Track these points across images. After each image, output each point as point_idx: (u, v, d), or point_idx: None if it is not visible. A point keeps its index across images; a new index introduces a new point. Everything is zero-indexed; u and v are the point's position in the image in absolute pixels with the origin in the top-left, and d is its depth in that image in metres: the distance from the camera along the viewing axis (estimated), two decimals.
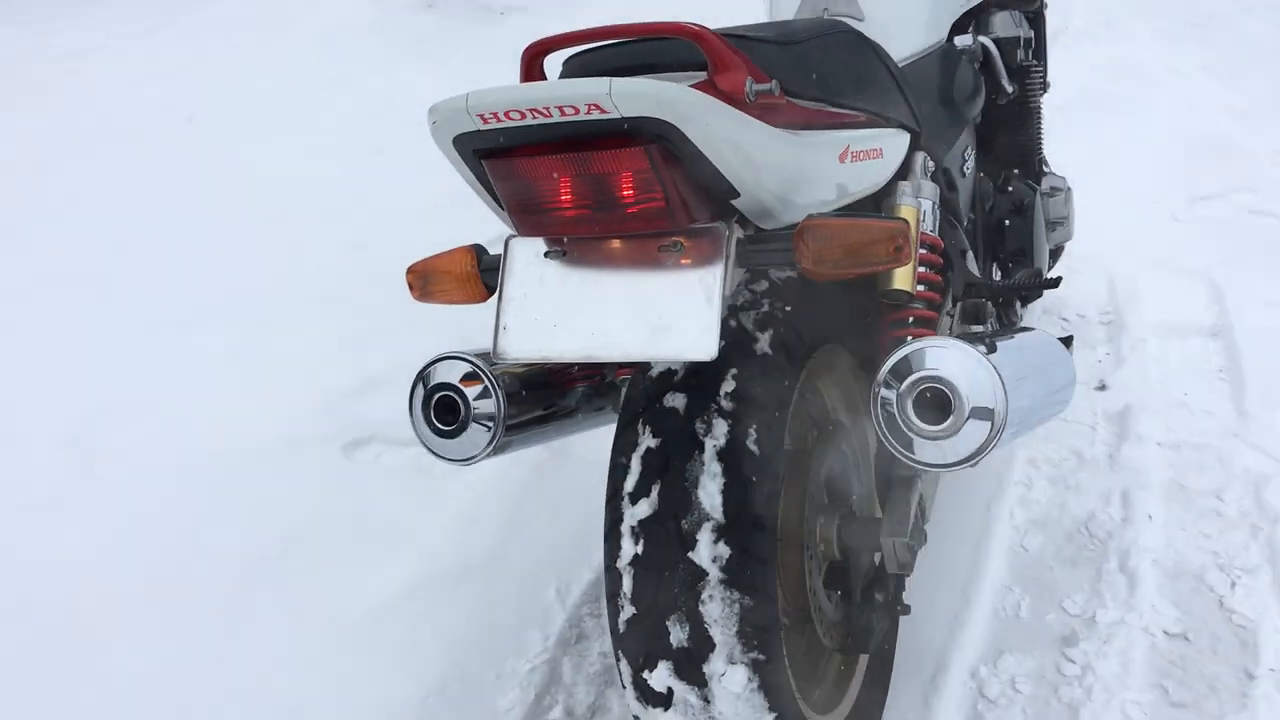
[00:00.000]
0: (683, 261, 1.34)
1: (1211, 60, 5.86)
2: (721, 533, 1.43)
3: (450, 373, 1.61)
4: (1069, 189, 2.87)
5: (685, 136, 1.22)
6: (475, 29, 6.02)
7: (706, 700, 1.46)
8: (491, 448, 1.59)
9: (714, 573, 1.43)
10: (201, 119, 4.55)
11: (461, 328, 2.90)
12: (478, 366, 1.59)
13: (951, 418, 1.32)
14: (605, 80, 1.18)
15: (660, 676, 1.47)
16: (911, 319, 1.68)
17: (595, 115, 1.20)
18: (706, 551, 1.43)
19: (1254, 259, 3.70)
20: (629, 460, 1.50)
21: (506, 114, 1.23)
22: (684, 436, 1.47)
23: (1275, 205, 4.15)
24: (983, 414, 1.31)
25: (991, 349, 1.35)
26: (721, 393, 1.49)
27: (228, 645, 2.01)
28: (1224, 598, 2.28)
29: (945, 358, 1.33)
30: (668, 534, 1.44)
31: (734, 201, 1.33)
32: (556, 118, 1.21)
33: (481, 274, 1.51)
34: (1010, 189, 2.47)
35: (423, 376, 1.62)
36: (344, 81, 4.99)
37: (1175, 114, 5.14)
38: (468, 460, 1.61)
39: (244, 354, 2.90)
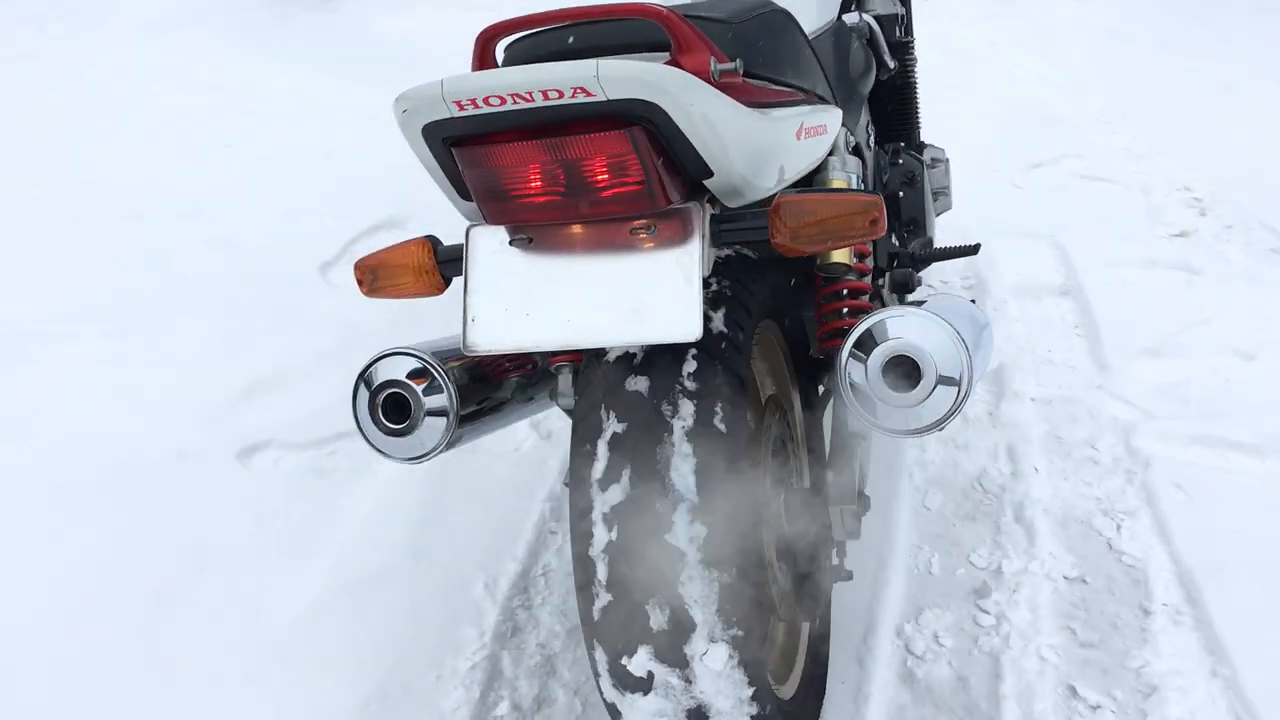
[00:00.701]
0: (655, 243, 1.32)
1: (1026, 35, 6.15)
2: (696, 513, 1.42)
3: (394, 369, 1.56)
4: (948, 159, 2.97)
5: (669, 117, 1.20)
6: (308, 16, 5.80)
7: (688, 680, 1.45)
8: (446, 442, 1.54)
9: (691, 553, 1.42)
10: (28, 116, 4.24)
11: (349, 324, 2.81)
12: (426, 360, 1.54)
13: (920, 385, 1.34)
14: (592, 63, 1.15)
15: (640, 661, 1.45)
16: (847, 291, 1.70)
17: (580, 99, 1.17)
18: (683, 533, 1.42)
19: (1091, 220, 3.92)
20: (594, 447, 1.47)
21: (485, 100, 1.19)
22: (651, 419, 1.45)
23: (1103, 170, 4.39)
24: (949, 380, 1.34)
25: (943, 316, 1.38)
26: (684, 373, 1.47)
27: (150, 671, 1.89)
28: (1111, 540, 2.41)
29: (910, 326, 1.36)
30: (642, 519, 1.42)
31: (706, 181, 1.32)
32: (538, 102, 1.18)
33: (439, 265, 1.45)
34: (900, 161, 2.54)
35: (365, 376, 1.56)
36: (176, 73, 4.74)
37: (1000, 87, 5.38)
38: (421, 458, 1.55)
39: (117, 363, 2.73)
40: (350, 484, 2.39)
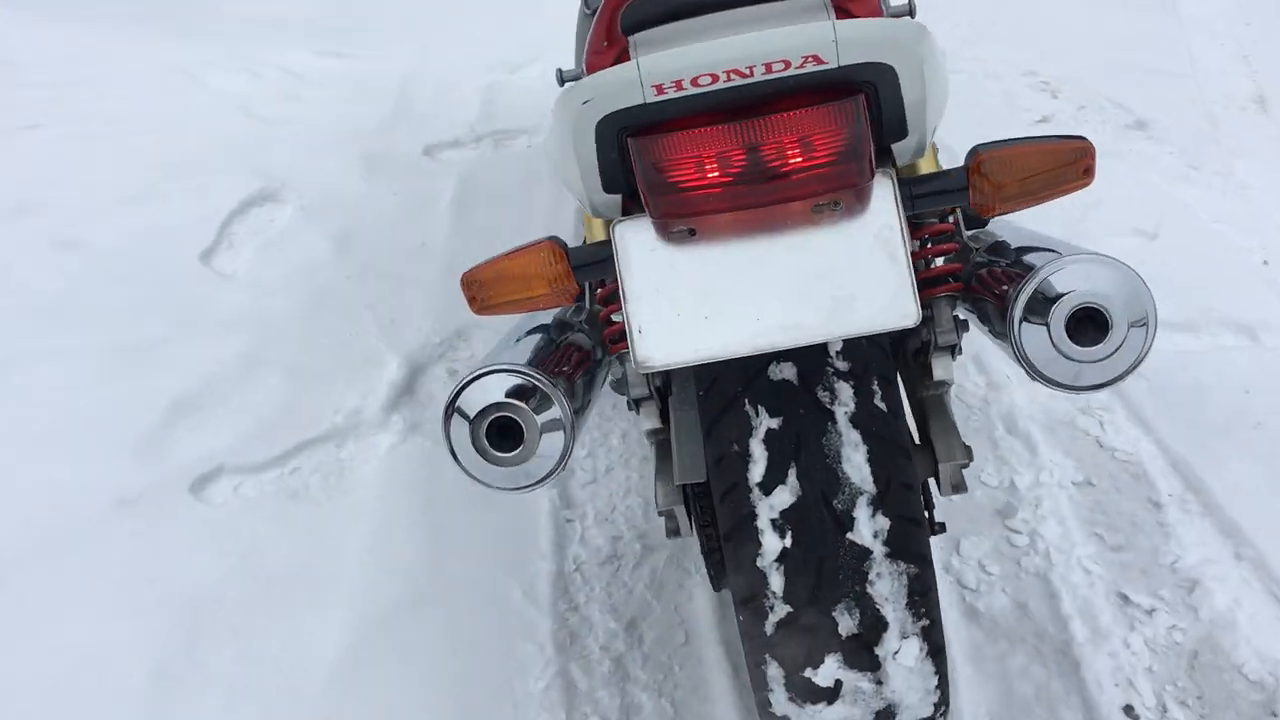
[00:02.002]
0: (843, 221, 1.16)
1: None
2: (877, 504, 1.29)
3: (490, 391, 1.34)
4: None
5: (896, 78, 1.04)
6: None
7: (879, 683, 1.34)
8: (566, 460, 1.35)
9: (878, 549, 1.30)
10: None
11: (260, 318, 2.50)
12: (526, 374, 1.33)
13: (1111, 334, 1.25)
14: (826, 25, 0.98)
15: (828, 671, 1.33)
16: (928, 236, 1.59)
17: (809, 68, 0.99)
18: (866, 528, 1.29)
19: (953, 108, 3.93)
20: (746, 447, 1.31)
21: (694, 80, 1.00)
22: (810, 409, 1.31)
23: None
24: (1139, 323, 1.25)
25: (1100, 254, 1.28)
26: (832, 353, 1.33)
27: None
28: (1099, 438, 2.43)
29: (1081, 275, 1.25)
30: (820, 519, 1.29)
31: (895, 145, 1.16)
32: (759, 76, 0.99)
33: (574, 270, 1.24)
34: None
35: (457, 405, 1.33)
36: None
37: None
38: (541, 481, 1.35)
39: None
40: (330, 504, 2.12)
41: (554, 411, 1.33)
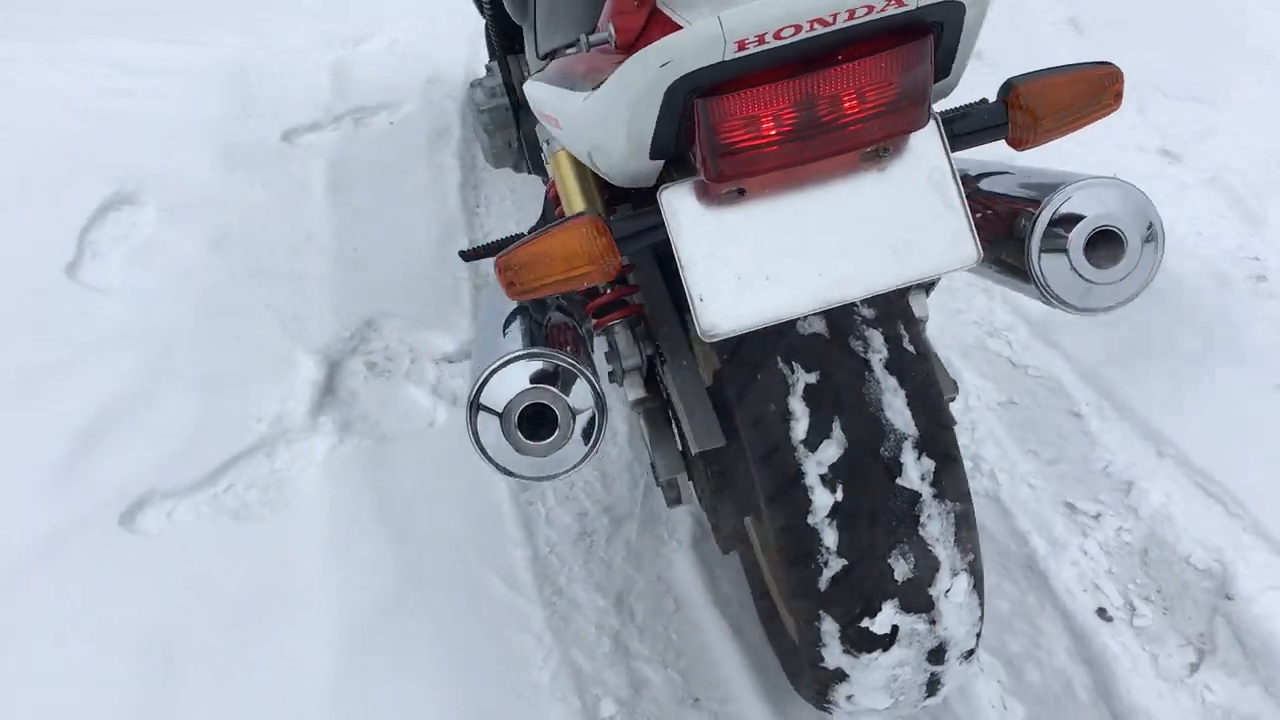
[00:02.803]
0: (894, 166, 1.14)
1: None
2: (921, 447, 1.30)
3: (514, 381, 1.28)
4: None
5: (962, 16, 1.02)
6: None
7: (933, 622, 1.36)
8: (602, 437, 1.31)
9: (926, 491, 1.31)
10: None
11: (149, 329, 2.33)
12: (549, 357, 1.28)
13: (1127, 254, 1.28)
14: None
15: (885, 617, 1.34)
16: None
17: (891, 10, 0.96)
18: (914, 471, 1.30)
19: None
20: (785, 406, 1.29)
21: (777, 33, 0.96)
22: (845, 361, 1.30)
23: None
24: (1151, 238, 1.29)
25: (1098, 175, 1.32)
26: (857, 302, 1.32)
27: None
28: (1011, 358, 2.53)
29: (1092, 199, 1.28)
30: (868, 469, 1.29)
31: (935, 84, 1.15)
32: (841, 24, 0.96)
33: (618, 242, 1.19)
34: None
35: (480, 401, 1.27)
36: None
37: None
38: (577, 466, 1.30)
39: None
40: (277, 518, 2.00)
41: (582, 390, 1.28)
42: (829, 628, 1.36)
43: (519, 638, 1.80)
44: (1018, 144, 1.21)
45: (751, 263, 1.14)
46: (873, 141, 1.10)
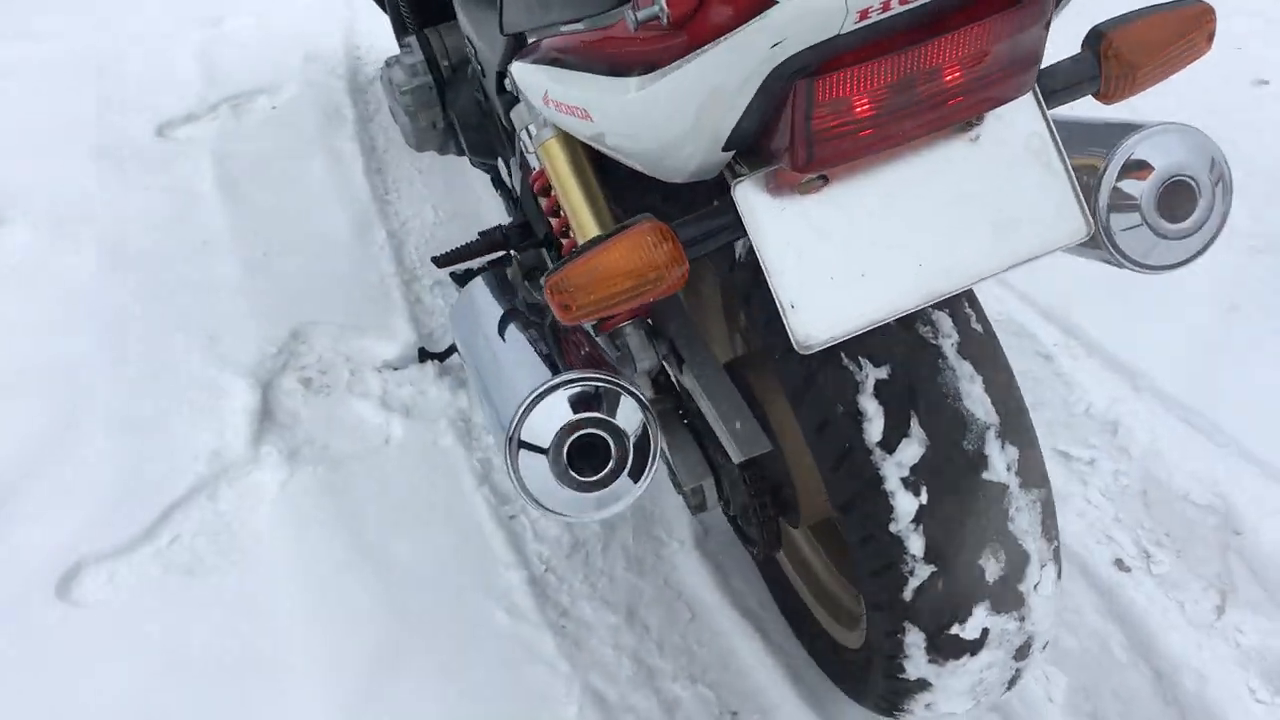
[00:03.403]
0: (987, 136, 1.01)
1: None
2: (1004, 435, 1.19)
3: (554, 413, 1.12)
4: None
5: None
6: None
7: (1022, 619, 1.26)
8: (656, 463, 1.16)
9: (1012, 482, 1.20)
10: None
11: (49, 377, 2.07)
12: (592, 378, 1.13)
13: (1200, 204, 1.19)
14: None
15: (976, 621, 1.23)
16: None
17: None
18: (1000, 463, 1.20)
19: None
20: (855, 406, 1.17)
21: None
22: (915, 350, 1.17)
23: None
24: (1219, 181, 1.19)
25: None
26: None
27: None
28: None
29: (1160, 146, 1.18)
30: (954, 466, 1.17)
31: None
32: None
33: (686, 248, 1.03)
34: None
35: (520, 438, 1.11)
36: None
37: None
38: (631, 499, 1.16)
39: None
40: (237, 568, 1.79)
41: (630, 409, 1.13)
42: (914, 639, 1.25)
43: (533, 671, 1.65)
44: (1108, 97, 1.09)
45: (844, 260, 1.00)
46: (983, 110, 0.97)
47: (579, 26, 1.13)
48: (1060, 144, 1.03)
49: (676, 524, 1.89)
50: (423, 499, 1.92)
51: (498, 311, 1.42)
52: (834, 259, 1.00)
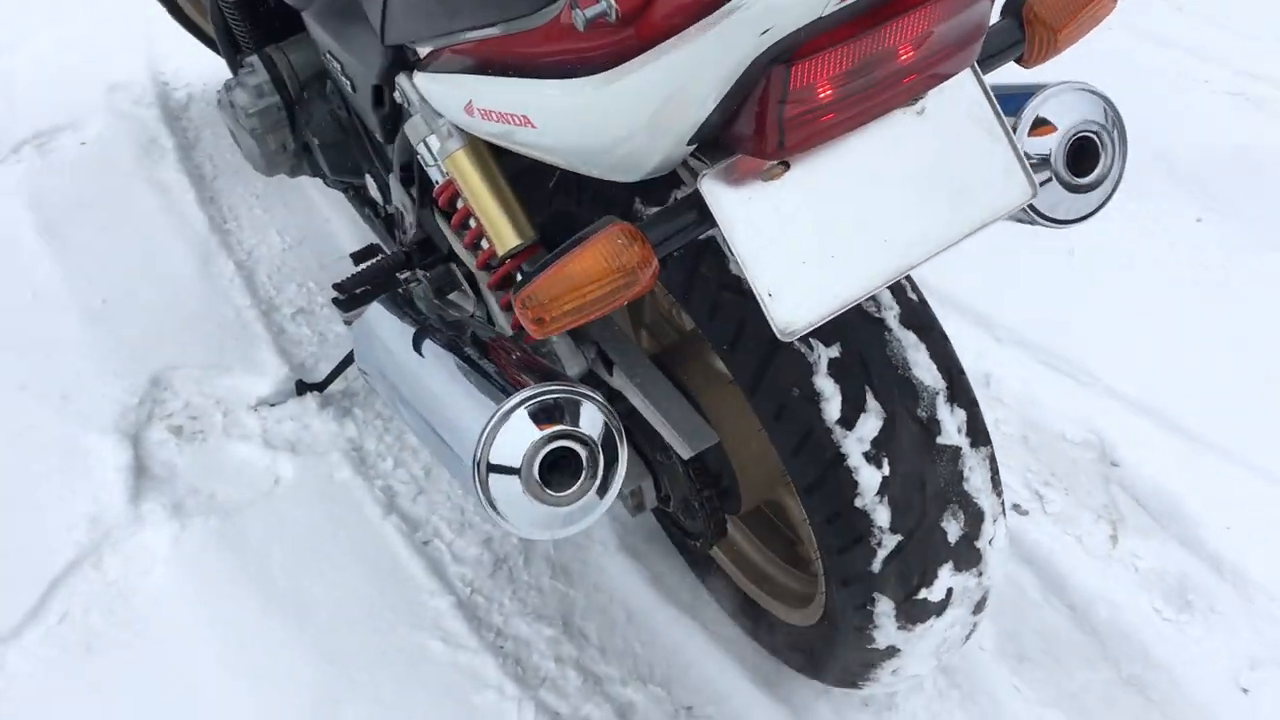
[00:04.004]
0: (932, 108, 1.03)
1: None
2: (951, 398, 1.23)
3: (520, 432, 1.09)
4: None
5: None
6: None
7: (981, 574, 1.31)
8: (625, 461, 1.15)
9: (964, 442, 1.24)
10: None
11: None
12: (561, 391, 1.10)
13: (1102, 160, 1.24)
14: None
15: (942, 583, 1.27)
16: None
17: None
18: (951, 425, 1.23)
19: None
20: (810, 387, 1.18)
21: None
22: (861, 324, 1.19)
23: None
24: (1117, 132, 1.26)
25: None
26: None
27: None
28: None
29: (1069, 104, 1.23)
30: (911, 434, 1.20)
31: None
32: None
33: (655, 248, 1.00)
34: None
35: (489, 461, 1.08)
36: None
37: None
38: (605, 504, 1.14)
39: None
40: (141, 639, 1.67)
41: (592, 414, 1.10)
42: (884, 608, 1.28)
43: (481, 697, 1.60)
44: (1030, 61, 1.13)
45: (814, 243, 1.00)
46: (935, 85, 0.98)
47: (494, 31, 1.09)
48: (999, 110, 1.06)
49: (596, 527, 1.87)
50: (328, 537, 1.84)
51: (409, 333, 1.37)
52: (804, 243, 1.00)
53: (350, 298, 1.74)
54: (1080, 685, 1.69)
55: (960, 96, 1.04)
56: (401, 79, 1.37)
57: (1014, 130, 1.20)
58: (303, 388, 2.10)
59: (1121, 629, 1.75)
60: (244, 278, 2.41)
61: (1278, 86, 2.92)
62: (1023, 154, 1.07)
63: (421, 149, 1.38)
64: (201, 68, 3.06)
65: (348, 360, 2.08)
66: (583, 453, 1.10)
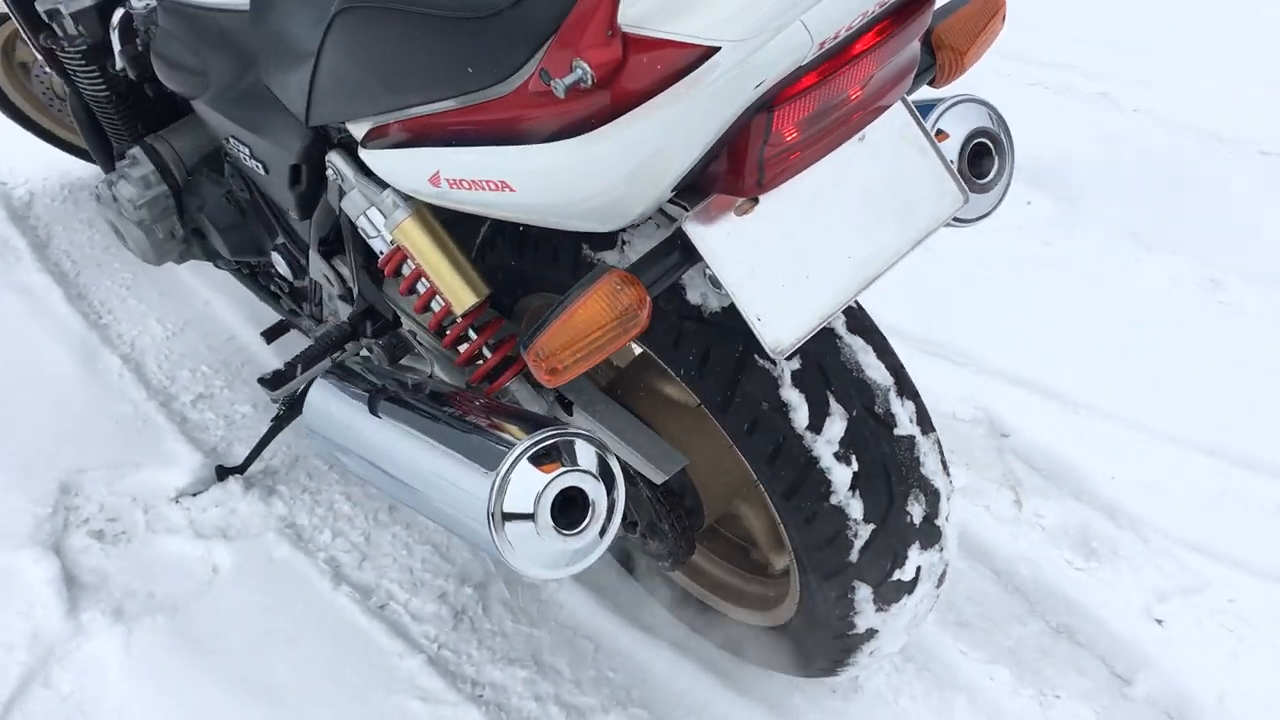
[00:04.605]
0: (870, 133, 1.13)
1: None
2: (900, 391, 1.34)
3: (528, 478, 1.15)
4: None
5: None
6: None
7: (942, 549, 1.42)
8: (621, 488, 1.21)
9: (915, 430, 1.35)
10: None
11: None
12: (546, 436, 1.15)
13: (997, 164, 1.38)
14: None
15: (911, 563, 1.38)
16: None
17: None
18: (904, 417, 1.34)
19: None
20: (777, 400, 1.27)
21: (848, 25, 0.90)
22: (818, 336, 1.29)
23: None
24: (1006, 138, 1.40)
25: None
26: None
27: None
28: None
29: (964, 114, 1.36)
30: (872, 430, 1.30)
31: None
32: (875, 7, 0.93)
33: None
34: None
35: (506, 513, 1.13)
36: None
37: None
38: (609, 532, 1.20)
39: None
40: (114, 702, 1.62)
41: (586, 450, 1.16)
42: (863, 594, 1.37)
43: None
44: (939, 82, 1.25)
45: (789, 266, 1.09)
46: (876, 117, 1.09)
47: (448, 104, 1.14)
48: (926, 129, 1.18)
49: None
50: (282, 616, 1.82)
51: (371, 403, 1.39)
52: (780, 268, 1.09)
53: (275, 375, 1.74)
54: (1016, 641, 1.83)
55: (892, 122, 1.15)
56: (335, 157, 1.40)
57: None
58: (223, 472, 2.08)
59: (1043, 583, 1.90)
60: (133, 371, 2.35)
61: (1080, 75, 3.21)
62: (950, 165, 1.18)
63: (362, 222, 1.41)
64: (37, 162, 2.97)
65: (265, 440, 2.06)
66: (589, 487, 1.15)
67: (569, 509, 1.15)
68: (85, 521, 2.01)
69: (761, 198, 1.08)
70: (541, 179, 1.07)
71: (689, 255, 1.08)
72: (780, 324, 1.09)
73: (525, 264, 1.45)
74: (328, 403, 1.46)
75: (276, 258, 1.82)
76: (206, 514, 2.02)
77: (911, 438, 1.35)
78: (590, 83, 0.96)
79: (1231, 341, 2.35)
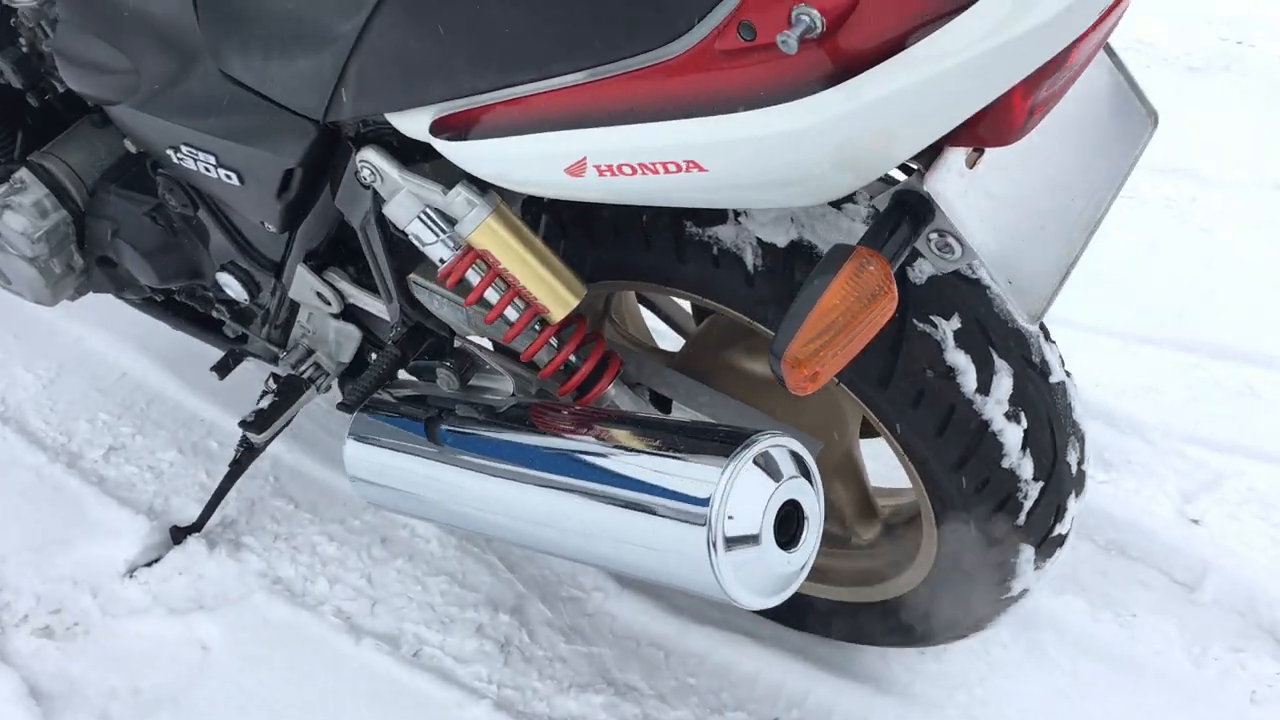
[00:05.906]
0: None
1: None
2: (1044, 334, 1.25)
3: (748, 494, 0.99)
4: None
5: None
6: None
7: (1083, 494, 1.35)
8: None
9: (1064, 375, 1.27)
10: None
11: None
12: (750, 440, 1.00)
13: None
14: None
15: (1069, 514, 1.30)
16: None
17: None
18: (1053, 361, 1.25)
19: None
20: (943, 364, 1.15)
21: None
22: (965, 287, 1.17)
23: None
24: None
25: None
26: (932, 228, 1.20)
27: None
28: None
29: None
30: (1034, 382, 1.21)
31: None
32: None
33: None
34: None
35: (729, 538, 0.97)
36: None
37: None
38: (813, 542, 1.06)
39: None
40: None
41: (783, 456, 1.01)
42: (1026, 556, 1.29)
43: None
44: None
45: (1025, 219, 0.97)
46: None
47: (577, 76, 0.94)
48: (1111, 50, 1.06)
49: (582, 575, 1.74)
50: (306, 688, 1.58)
51: (484, 443, 1.18)
52: (1017, 221, 0.97)
53: (259, 417, 1.51)
54: (1073, 567, 1.79)
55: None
56: (371, 155, 1.17)
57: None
58: (179, 533, 1.78)
59: None
60: (15, 431, 1.99)
61: None
62: (1133, 81, 1.08)
63: (415, 227, 1.18)
64: None
65: (223, 489, 1.78)
66: (804, 497, 1.00)
67: (785, 524, 1.00)
68: (24, 619, 1.69)
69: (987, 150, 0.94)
70: (746, 152, 0.88)
71: (920, 218, 0.93)
72: (1032, 285, 0.96)
73: (603, 252, 1.26)
74: (371, 452, 1.25)
75: (226, 279, 1.55)
76: (170, 585, 1.73)
77: (1063, 383, 1.26)
78: (820, 30, 0.79)
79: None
